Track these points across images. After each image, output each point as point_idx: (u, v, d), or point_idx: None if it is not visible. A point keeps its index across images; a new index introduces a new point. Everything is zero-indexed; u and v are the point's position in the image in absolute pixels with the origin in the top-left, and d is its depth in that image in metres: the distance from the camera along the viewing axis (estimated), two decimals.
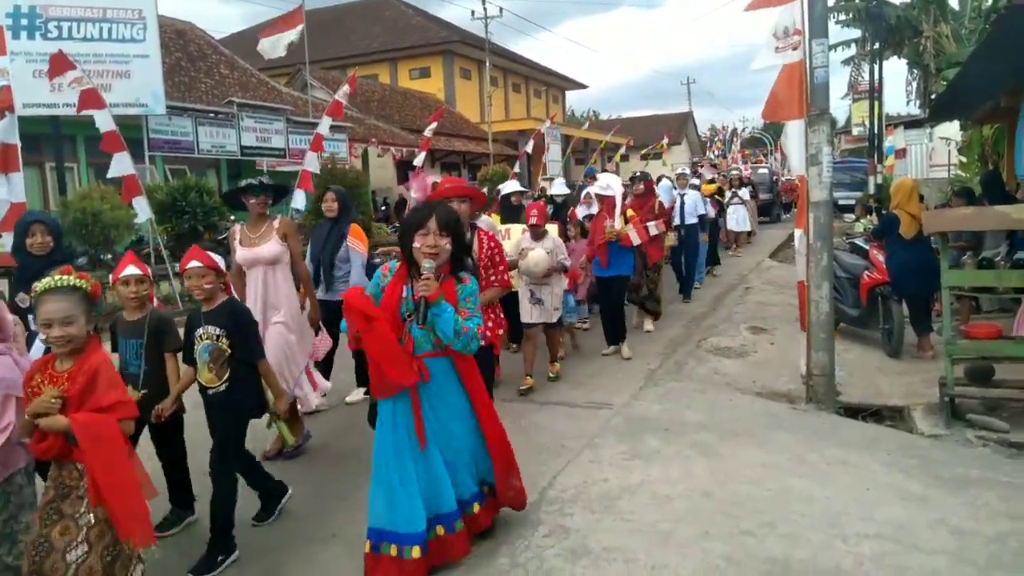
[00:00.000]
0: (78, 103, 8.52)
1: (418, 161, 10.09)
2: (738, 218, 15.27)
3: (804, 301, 5.63)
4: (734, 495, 3.94)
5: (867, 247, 7.41)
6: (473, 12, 30.26)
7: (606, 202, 6.85)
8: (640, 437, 4.88)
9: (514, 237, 6.34)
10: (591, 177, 12.20)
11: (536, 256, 5.83)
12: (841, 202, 18.08)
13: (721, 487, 4.05)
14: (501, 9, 31.04)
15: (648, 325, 8.23)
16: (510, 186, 8.17)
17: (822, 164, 5.37)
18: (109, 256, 11.57)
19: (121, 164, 8.82)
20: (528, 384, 6.07)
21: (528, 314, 6.15)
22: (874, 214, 13.43)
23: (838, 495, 3.89)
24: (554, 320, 6.25)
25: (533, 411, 5.54)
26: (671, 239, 9.15)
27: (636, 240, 6.93)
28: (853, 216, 16.68)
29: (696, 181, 11.57)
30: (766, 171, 24.96)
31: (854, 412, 5.48)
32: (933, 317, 6.91)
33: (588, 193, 8.50)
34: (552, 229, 6.40)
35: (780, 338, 7.71)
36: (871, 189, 19.08)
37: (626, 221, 6.90)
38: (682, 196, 10.22)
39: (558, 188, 10.30)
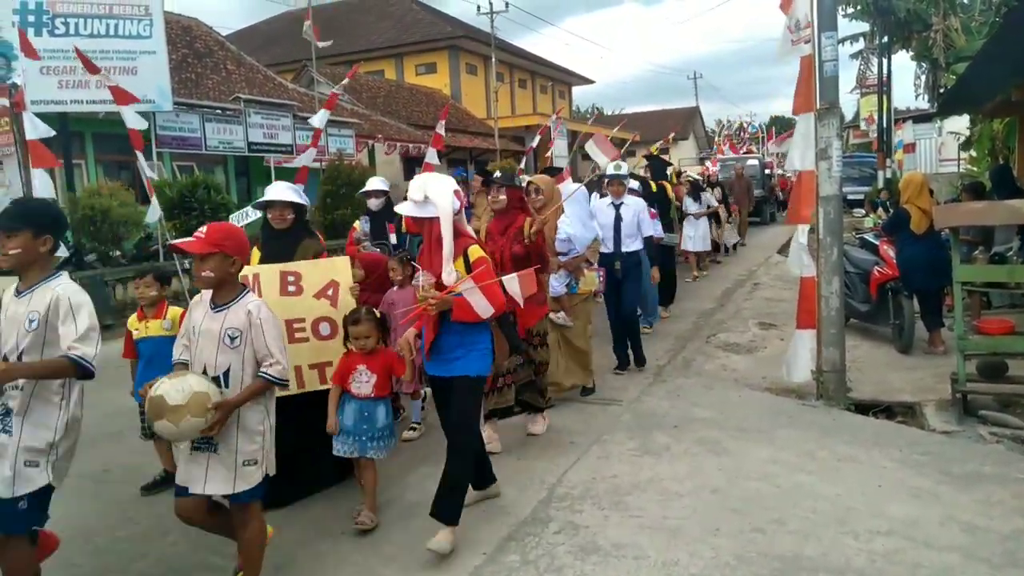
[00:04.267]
0: (115, 98, 8.45)
1: (430, 158, 10.02)
2: (695, 235, 11.69)
3: (801, 299, 5.57)
4: (744, 492, 3.93)
5: (877, 242, 7.36)
6: (479, 7, 30.19)
7: (428, 227, 3.52)
8: (649, 433, 4.87)
9: None
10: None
11: None
12: (850, 197, 17.99)
13: (730, 484, 4.04)
14: (507, 4, 30.76)
15: (537, 427, 4.99)
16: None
17: (832, 158, 5.34)
18: (118, 253, 11.61)
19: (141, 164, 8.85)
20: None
21: None
22: (881, 208, 13.37)
23: (849, 492, 3.87)
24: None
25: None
26: (592, 281, 5.69)
27: (481, 309, 3.39)
28: (862, 211, 16.62)
29: (636, 184, 7.90)
30: (756, 163, 21.87)
31: (865, 408, 5.45)
32: (944, 312, 6.87)
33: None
34: None
35: (789, 334, 7.65)
36: (880, 184, 18.98)
37: (468, 268, 3.48)
38: (618, 209, 6.54)
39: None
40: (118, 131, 9.32)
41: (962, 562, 3.15)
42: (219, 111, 16.17)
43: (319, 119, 8.15)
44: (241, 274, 3.52)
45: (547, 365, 4.98)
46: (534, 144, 17.79)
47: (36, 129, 6.56)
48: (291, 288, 3.99)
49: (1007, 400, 5.09)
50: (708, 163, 20.69)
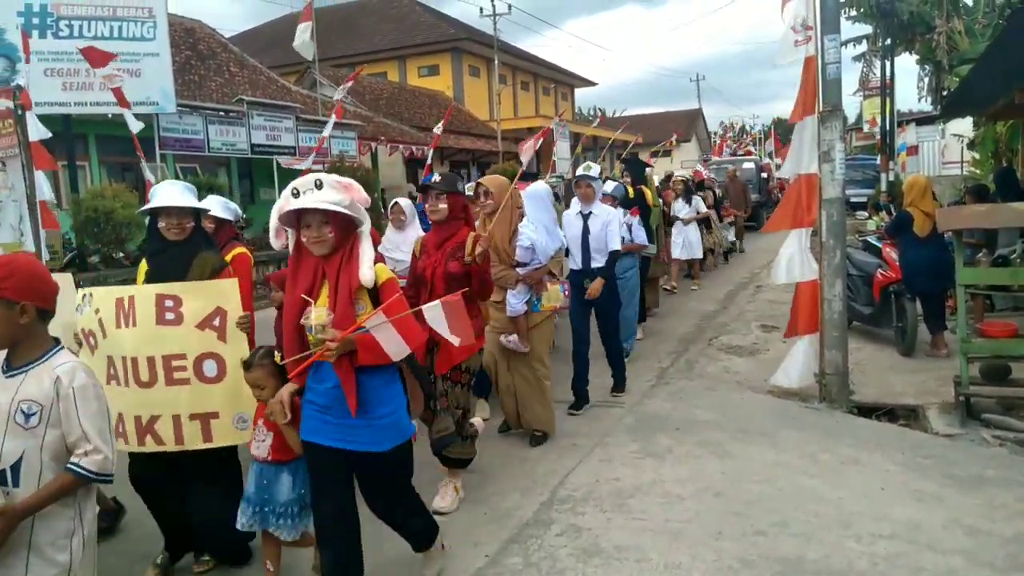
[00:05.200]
0: (118, 100, 8.49)
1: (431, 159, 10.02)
2: (684, 242, 10.74)
3: (800, 304, 5.52)
4: (746, 494, 3.92)
5: (880, 245, 7.35)
6: (482, 9, 30.26)
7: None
8: (651, 436, 4.87)
9: None
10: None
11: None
12: (853, 199, 17.92)
13: (733, 486, 4.03)
14: (510, 6, 30.80)
15: (445, 500, 3.91)
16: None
17: (835, 161, 5.33)
18: (121, 254, 11.64)
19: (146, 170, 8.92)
20: None
21: None
22: (884, 211, 13.35)
23: (851, 495, 3.86)
24: None
25: None
26: (557, 296, 4.77)
27: (393, 348, 2.71)
28: (865, 213, 16.58)
29: (609, 187, 6.83)
30: (752, 165, 20.63)
31: (867, 411, 5.45)
32: (947, 315, 6.85)
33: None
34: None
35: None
36: (883, 186, 18.95)
37: (376, 297, 2.77)
38: (586, 220, 5.55)
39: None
40: (122, 133, 9.36)
41: (965, 565, 3.14)
42: (222, 113, 16.20)
43: (327, 129, 8.23)
44: (116, 296, 3.11)
45: (469, 412, 4.09)
46: (536, 146, 17.80)
47: (36, 131, 6.58)
48: (169, 316, 3.14)
49: (1010, 403, 5.08)
50: (699, 165, 19.03)
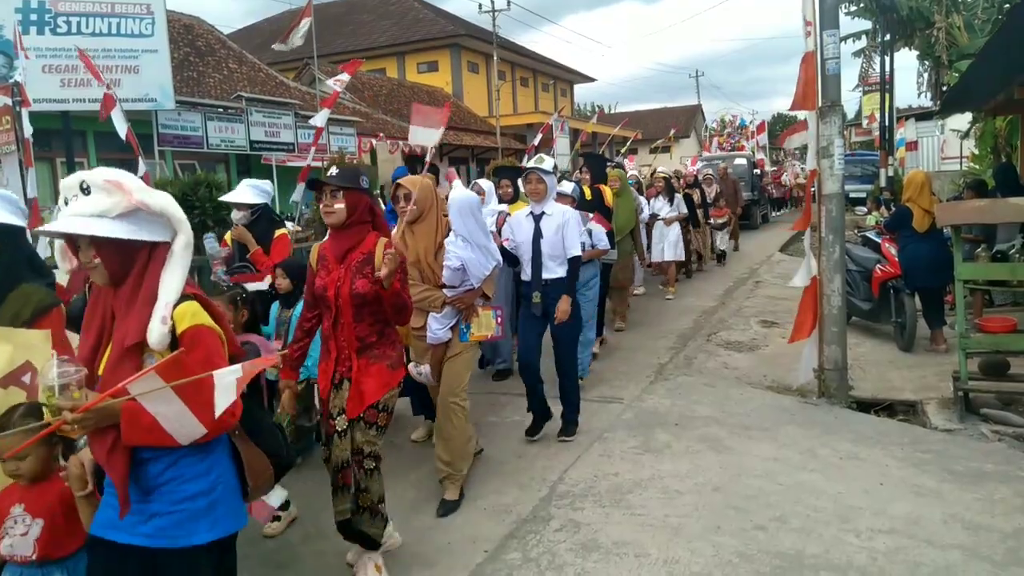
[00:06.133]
0: (103, 108, 8.46)
1: (429, 154, 9.99)
2: (665, 243, 10.00)
3: (806, 305, 5.49)
4: (745, 489, 3.92)
5: (879, 240, 7.35)
6: (480, 5, 30.15)
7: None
8: (650, 431, 4.87)
9: None
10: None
11: None
12: (852, 195, 17.90)
13: (732, 481, 4.04)
14: (509, 2, 30.71)
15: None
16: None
17: (834, 156, 5.33)
18: None
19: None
20: None
21: None
22: (884, 207, 13.35)
23: (850, 490, 3.86)
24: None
25: None
26: (488, 324, 4.11)
27: (178, 427, 1.88)
28: (865, 209, 16.57)
29: (568, 187, 6.11)
30: (744, 161, 19.60)
31: (866, 406, 5.45)
32: (946, 310, 6.86)
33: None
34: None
35: (791, 332, 7.66)
36: (883, 182, 18.94)
37: (175, 345, 1.96)
38: (538, 221, 4.73)
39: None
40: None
41: (964, 560, 3.15)
42: (221, 109, 16.18)
43: (320, 118, 8.14)
44: None
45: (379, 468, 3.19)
46: (536, 142, 17.78)
47: (24, 128, 6.60)
48: None
49: (1009, 398, 5.08)
50: (688, 162, 17.90)
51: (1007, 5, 12.92)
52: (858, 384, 5.80)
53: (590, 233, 5.86)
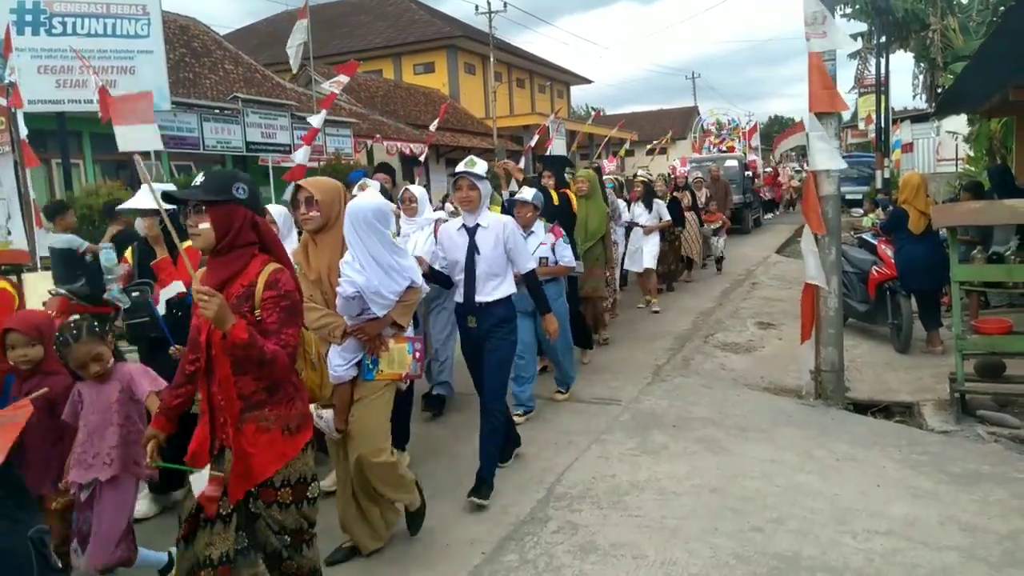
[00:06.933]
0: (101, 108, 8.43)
1: (423, 156, 9.93)
2: (636, 251, 9.14)
3: (806, 307, 5.50)
4: (742, 491, 3.93)
5: (875, 242, 7.37)
6: (477, 7, 30.21)
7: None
8: (648, 433, 4.87)
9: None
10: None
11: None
12: (848, 196, 17.92)
13: (729, 483, 4.04)
14: (505, 4, 30.75)
15: None
16: None
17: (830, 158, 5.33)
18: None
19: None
20: None
21: None
22: (880, 208, 13.38)
23: (847, 491, 3.87)
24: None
25: (540, 407, 5.52)
26: (402, 359, 3.42)
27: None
28: (861, 211, 16.60)
29: (529, 194, 5.26)
30: (735, 163, 18.89)
31: (863, 408, 5.46)
32: (942, 312, 6.87)
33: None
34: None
35: (788, 333, 7.67)
36: (878, 183, 18.98)
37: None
38: (472, 235, 4.03)
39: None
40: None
41: (961, 562, 3.15)
42: (217, 111, 16.15)
43: (317, 120, 8.11)
44: None
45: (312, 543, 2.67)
46: (532, 143, 17.81)
47: (20, 129, 6.58)
48: None
49: (1005, 400, 5.10)
50: (676, 163, 17.07)
51: (1002, 7, 12.96)
52: (855, 386, 5.81)
53: (553, 248, 5.37)
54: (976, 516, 3.55)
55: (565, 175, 6.89)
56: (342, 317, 3.23)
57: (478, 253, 3.98)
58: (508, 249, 4.01)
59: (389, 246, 3.25)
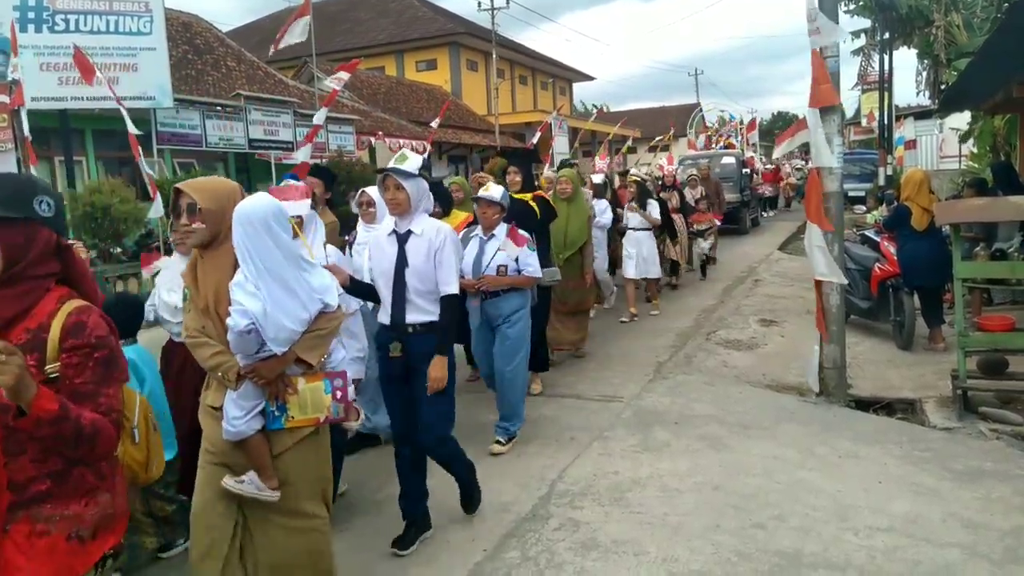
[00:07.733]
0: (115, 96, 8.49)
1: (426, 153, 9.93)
2: (638, 257, 8.56)
3: (818, 302, 5.50)
4: (744, 488, 3.93)
5: (878, 239, 7.36)
6: (479, 3, 30.17)
7: None
8: (650, 430, 4.87)
9: None
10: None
11: None
12: (851, 193, 17.87)
13: (731, 480, 4.04)
14: (508, 0, 30.76)
15: None
16: None
17: (833, 155, 5.32)
18: (119, 250, 11.62)
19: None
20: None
21: None
22: (885, 204, 13.34)
23: (849, 488, 3.87)
24: None
25: (542, 404, 5.52)
26: (318, 401, 2.61)
27: None
28: (864, 207, 16.56)
29: (496, 193, 4.63)
30: (732, 160, 18.00)
31: (865, 405, 5.46)
32: (944, 309, 6.86)
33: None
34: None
35: (790, 330, 7.67)
36: (881, 180, 18.95)
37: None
38: (403, 243, 3.43)
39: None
40: (118, 127, 9.32)
41: (963, 559, 3.15)
42: (219, 108, 16.16)
43: (319, 117, 8.12)
44: None
45: None
46: (535, 140, 17.80)
47: (23, 127, 6.61)
48: None
49: (1007, 396, 5.09)
50: (664, 160, 15.92)
51: (1006, 4, 12.91)
52: (857, 383, 5.81)
53: (516, 257, 4.61)
54: (978, 513, 3.55)
55: (532, 174, 6.12)
56: (236, 357, 2.52)
57: (407, 265, 3.35)
58: (436, 261, 3.35)
59: (293, 258, 2.53)
